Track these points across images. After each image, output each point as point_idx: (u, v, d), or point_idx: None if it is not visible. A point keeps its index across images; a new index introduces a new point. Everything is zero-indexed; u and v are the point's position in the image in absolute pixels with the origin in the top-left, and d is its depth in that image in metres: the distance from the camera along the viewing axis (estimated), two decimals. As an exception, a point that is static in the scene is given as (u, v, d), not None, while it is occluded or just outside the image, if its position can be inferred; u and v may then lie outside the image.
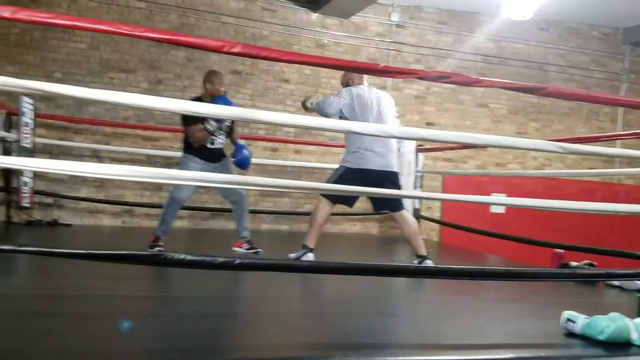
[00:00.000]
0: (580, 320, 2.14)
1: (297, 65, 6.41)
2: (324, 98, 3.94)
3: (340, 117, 3.82)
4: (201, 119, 3.85)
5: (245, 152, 4.04)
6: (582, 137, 5.73)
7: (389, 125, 3.90)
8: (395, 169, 3.93)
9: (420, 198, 6.27)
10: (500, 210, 6.94)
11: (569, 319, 2.17)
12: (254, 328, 2.20)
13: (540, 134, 7.57)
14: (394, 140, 4.00)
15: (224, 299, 2.80)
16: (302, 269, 1.98)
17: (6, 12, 1.66)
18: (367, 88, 3.96)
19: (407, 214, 4.03)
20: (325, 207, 3.86)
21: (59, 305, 2.28)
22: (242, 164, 4.03)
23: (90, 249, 1.70)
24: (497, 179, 6.96)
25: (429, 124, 7.13)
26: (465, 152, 7.04)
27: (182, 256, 1.64)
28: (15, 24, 5.67)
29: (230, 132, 4.17)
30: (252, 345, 1.94)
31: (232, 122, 4.12)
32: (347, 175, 3.76)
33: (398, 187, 3.93)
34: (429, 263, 3.78)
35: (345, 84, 4.03)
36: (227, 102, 3.92)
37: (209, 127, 3.89)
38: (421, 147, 6.37)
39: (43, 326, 1.95)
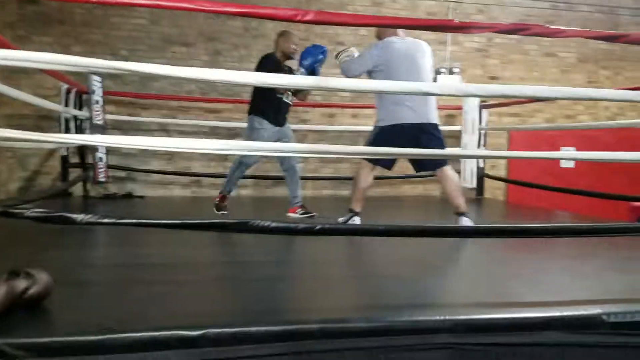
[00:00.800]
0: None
1: (352, 27, 6.29)
2: (354, 56, 3.78)
3: (375, 73, 3.64)
4: (286, 71, 4.12)
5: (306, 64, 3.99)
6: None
7: (427, 77, 3.71)
8: (433, 121, 3.66)
9: (484, 157, 6.12)
10: (570, 165, 6.69)
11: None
12: (341, 290, 2.24)
13: (611, 83, 7.17)
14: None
15: (287, 263, 2.86)
16: (380, 232, 1.99)
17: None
18: (401, 39, 3.73)
19: (449, 170, 3.70)
20: (366, 169, 3.77)
21: (146, 273, 2.40)
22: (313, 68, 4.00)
23: (178, 219, 1.78)
24: (567, 132, 6.68)
25: (493, 78, 6.89)
26: (533, 105, 6.78)
27: (267, 223, 1.70)
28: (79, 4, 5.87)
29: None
30: (336, 307, 1.98)
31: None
32: (382, 135, 3.61)
33: (438, 139, 3.63)
34: (465, 221, 3.55)
35: (378, 36, 3.84)
36: (316, 50, 4.00)
37: (299, 75, 3.89)
38: (485, 104, 6.18)
39: (135, 293, 2.06)
